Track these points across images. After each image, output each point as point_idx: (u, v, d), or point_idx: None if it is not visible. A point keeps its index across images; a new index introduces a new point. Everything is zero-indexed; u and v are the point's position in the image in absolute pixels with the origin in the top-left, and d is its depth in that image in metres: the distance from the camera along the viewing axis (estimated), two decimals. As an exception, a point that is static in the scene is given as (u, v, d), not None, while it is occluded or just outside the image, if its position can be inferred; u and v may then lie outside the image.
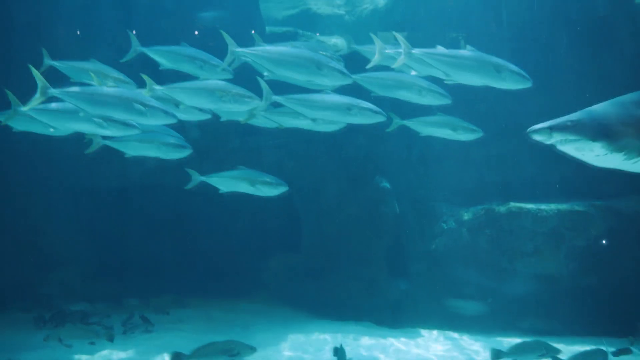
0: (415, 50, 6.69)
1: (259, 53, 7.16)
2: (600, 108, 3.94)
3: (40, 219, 10.71)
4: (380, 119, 7.38)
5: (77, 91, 6.85)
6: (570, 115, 3.90)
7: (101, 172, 10.64)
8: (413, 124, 8.15)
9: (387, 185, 10.48)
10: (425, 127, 8.11)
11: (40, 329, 9.32)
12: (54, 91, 6.78)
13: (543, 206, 9.28)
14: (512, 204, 9.43)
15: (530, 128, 3.90)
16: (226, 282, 11.32)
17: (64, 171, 10.64)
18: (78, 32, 10.62)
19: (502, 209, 9.46)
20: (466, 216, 9.82)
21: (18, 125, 7.87)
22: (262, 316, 10.41)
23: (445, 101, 7.41)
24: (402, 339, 9.33)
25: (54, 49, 10.36)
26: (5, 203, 10.48)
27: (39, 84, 6.80)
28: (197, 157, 8.61)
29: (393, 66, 7.10)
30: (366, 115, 7.34)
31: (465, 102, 8.16)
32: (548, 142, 3.86)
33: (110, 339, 8.29)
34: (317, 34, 11.69)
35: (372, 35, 7.35)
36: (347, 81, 7.16)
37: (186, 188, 8.37)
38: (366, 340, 9.22)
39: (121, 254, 11.06)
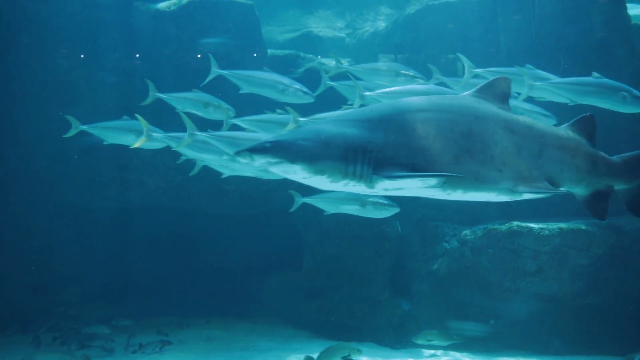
0: (538, 82, 6.89)
1: (389, 94, 7.28)
2: (308, 128, 3.66)
3: (42, 240, 10.71)
4: None
5: (220, 135, 7.08)
6: (277, 135, 3.61)
7: (103, 193, 10.68)
8: None
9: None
10: None
11: (38, 350, 9.23)
12: (200, 135, 7.06)
13: (545, 225, 9.26)
14: (514, 223, 9.41)
15: (236, 150, 3.61)
16: (227, 302, 11.26)
17: (66, 192, 10.68)
18: (82, 56, 10.74)
19: (504, 228, 9.44)
20: (468, 236, 9.80)
21: (109, 139, 8.08)
22: (263, 336, 10.33)
23: (550, 122, 7.40)
24: (405, 360, 9.24)
25: (56, 72, 10.52)
26: (8, 224, 10.49)
27: (188, 127, 7.06)
28: (202, 177, 8.66)
29: (518, 99, 7.17)
30: None
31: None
32: (255, 165, 3.55)
33: None
34: (319, 57, 11.83)
35: (460, 55, 7.45)
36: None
37: (290, 211, 8.32)
38: (368, 361, 9.13)
39: (122, 274, 11.02)
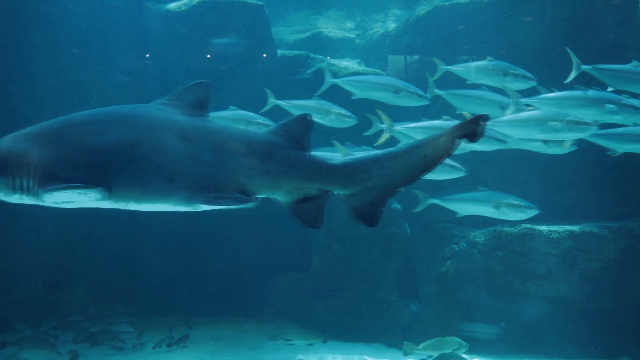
0: None
1: (541, 101, 7.16)
2: None
3: (54, 239, 10.77)
4: None
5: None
6: None
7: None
8: None
9: (398, 206, 10.47)
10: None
11: (24, 348, 9.21)
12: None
13: (555, 228, 9.21)
14: (523, 225, 9.35)
15: None
16: (235, 302, 11.28)
17: (77, 191, 10.72)
18: (92, 56, 10.80)
19: (514, 230, 9.40)
20: (477, 238, 9.76)
21: None
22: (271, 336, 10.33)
23: None
24: (413, 362, 9.21)
25: (67, 72, 10.60)
26: (21, 222, 10.57)
27: None
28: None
29: None
30: None
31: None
32: None
33: (74, 358, 8.31)
34: (328, 57, 11.83)
35: (568, 50, 7.25)
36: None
37: (415, 211, 8.15)
38: (376, 363, 9.13)
39: (131, 273, 11.07)
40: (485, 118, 3.41)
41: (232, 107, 8.23)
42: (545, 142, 7.42)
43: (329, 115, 7.81)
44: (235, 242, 11.48)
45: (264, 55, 11.04)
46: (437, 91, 8.10)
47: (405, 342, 8.09)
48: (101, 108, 3.75)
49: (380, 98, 7.90)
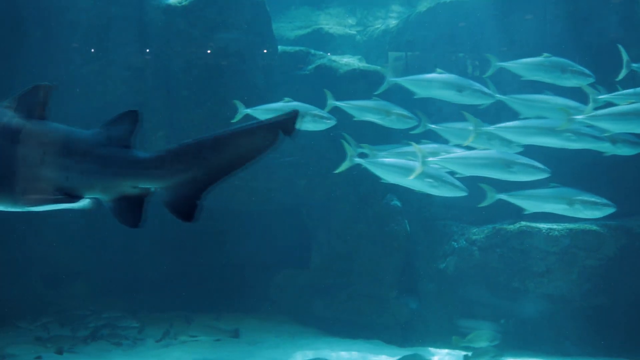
0: None
1: (621, 97, 6.94)
2: None
3: (53, 234, 10.76)
4: None
5: (451, 157, 7.02)
6: None
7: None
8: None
9: (398, 203, 10.47)
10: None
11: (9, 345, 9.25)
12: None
13: (554, 225, 9.22)
14: (523, 223, 9.37)
15: None
16: (234, 298, 11.29)
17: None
18: (92, 50, 10.77)
19: (513, 228, 9.41)
20: (477, 235, 9.78)
21: None
22: (270, 332, 10.35)
23: None
24: (412, 359, 9.23)
25: (67, 67, 10.57)
26: (21, 216, 10.57)
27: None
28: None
29: None
30: None
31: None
32: None
33: (60, 353, 8.34)
34: (329, 54, 11.81)
35: (620, 47, 7.11)
36: None
37: (480, 206, 7.91)
38: (374, 359, 9.13)
39: (129, 269, 11.06)
40: (296, 114, 3.32)
41: (286, 98, 8.18)
42: (613, 142, 7.15)
43: (390, 116, 7.70)
44: (235, 238, 11.48)
45: (265, 51, 11.01)
46: (498, 96, 7.81)
47: (454, 336, 8.53)
48: None
49: (443, 97, 7.72)
